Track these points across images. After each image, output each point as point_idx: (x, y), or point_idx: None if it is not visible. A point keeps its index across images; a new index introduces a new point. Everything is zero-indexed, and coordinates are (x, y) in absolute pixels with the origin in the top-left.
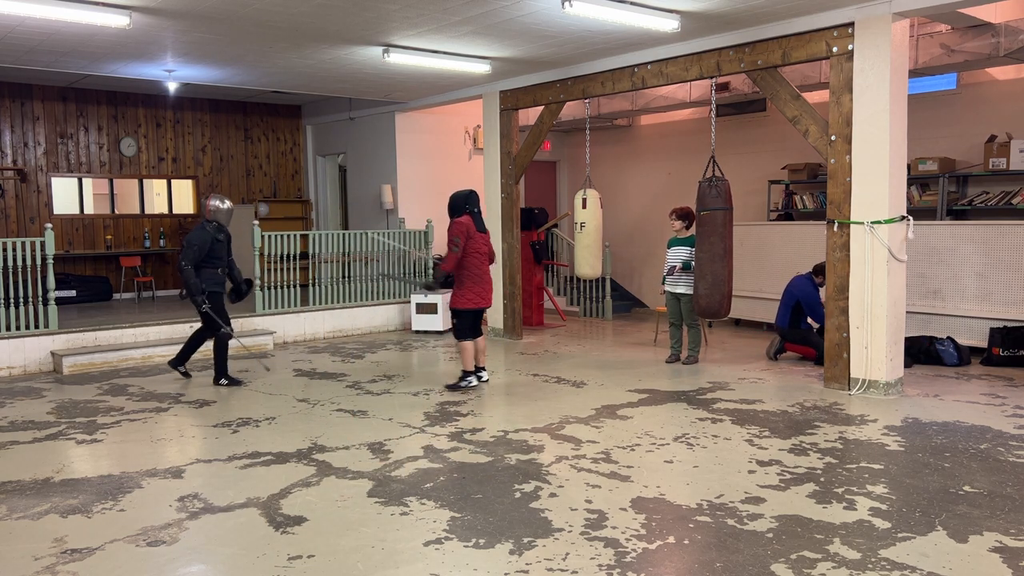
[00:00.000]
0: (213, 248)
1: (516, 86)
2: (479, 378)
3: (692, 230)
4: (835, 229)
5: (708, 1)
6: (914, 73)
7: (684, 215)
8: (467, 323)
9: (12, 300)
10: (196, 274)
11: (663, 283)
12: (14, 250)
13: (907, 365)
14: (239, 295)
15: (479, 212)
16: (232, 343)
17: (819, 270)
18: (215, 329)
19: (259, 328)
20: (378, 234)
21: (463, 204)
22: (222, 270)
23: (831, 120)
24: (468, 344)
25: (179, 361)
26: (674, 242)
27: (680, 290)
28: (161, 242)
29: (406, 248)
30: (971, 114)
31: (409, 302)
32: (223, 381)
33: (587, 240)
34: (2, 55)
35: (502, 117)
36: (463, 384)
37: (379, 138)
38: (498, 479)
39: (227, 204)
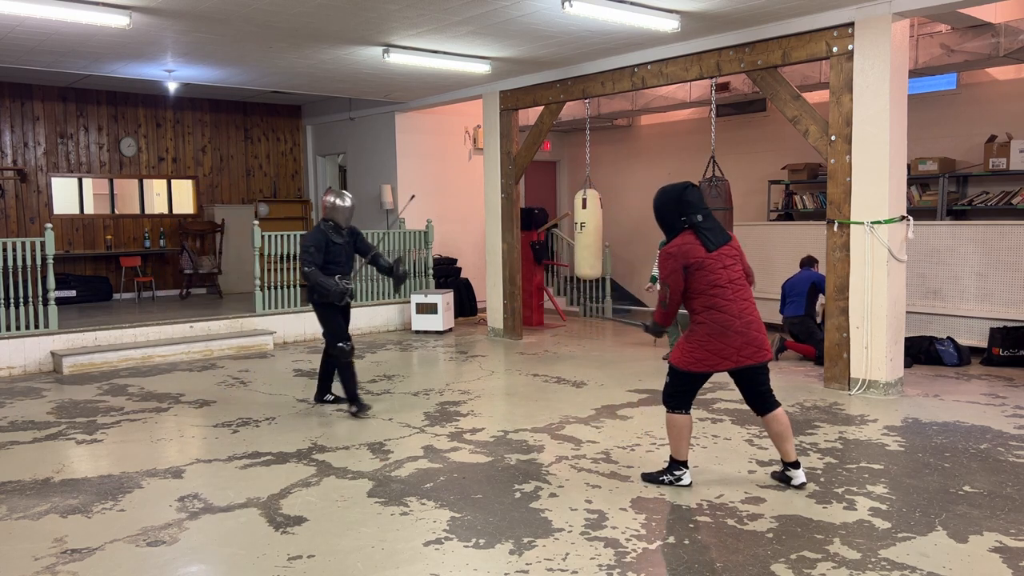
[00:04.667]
0: (330, 251)
1: (516, 86)
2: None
3: None
4: (835, 229)
5: (708, 1)
6: (914, 73)
7: None
8: (683, 386)
9: (12, 300)
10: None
11: (653, 281)
12: (14, 250)
13: (907, 365)
14: (399, 279)
15: (704, 219)
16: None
17: (806, 262)
18: (330, 345)
19: (259, 328)
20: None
21: (676, 214)
22: (341, 277)
23: (831, 120)
24: (682, 419)
25: (321, 394)
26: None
27: None
28: (161, 242)
29: None
30: (971, 114)
31: (409, 302)
32: (352, 408)
33: (587, 240)
34: (2, 55)
35: (502, 117)
36: (667, 479)
37: (379, 138)
38: (498, 479)
39: (347, 201)
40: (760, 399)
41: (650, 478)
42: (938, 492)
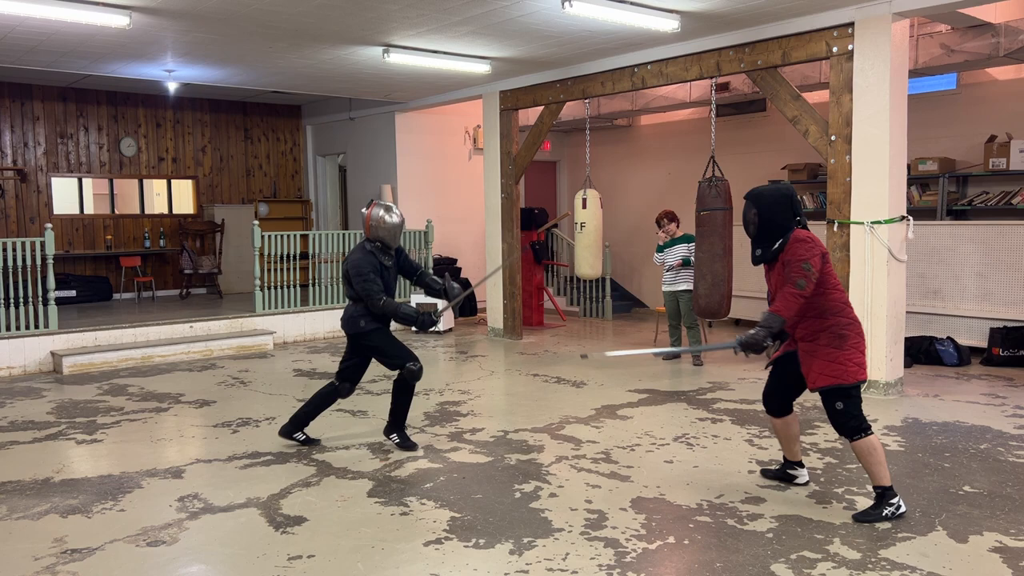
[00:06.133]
0: (381, 277)
1: (516, 86)
2: (793, 473)
3: (681, 228)
4: (835, 229)
5: (708, 1)
6: (914, 73)
7: (674, 216)
8: (859, 400)
9: (12, 300)
10: (360, 303)
11: (659, 251)
12: (14, 250)
13: (907, 365)
14: (454, 299)
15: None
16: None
17: None
18: (397, 365)
19: (259, 328)
20: None
21: (791, 213)
22: (385, 303)
23: (831, 120)
24: (876, 439)
25: (394, 427)
26: (667, 244)
27: (680, 287)
28: (161, 242)
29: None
30: (971, 114)
31: (408, 302)
32: (393, 437)
33: (587, 240)
34: (2, 55)
35: (502, 117)
36: (888, 512)
37: (379, 138)
38: (498, 479)
39: (395, 217)
40: (790, 401)
41: (867, 517)
42: (938, 492)
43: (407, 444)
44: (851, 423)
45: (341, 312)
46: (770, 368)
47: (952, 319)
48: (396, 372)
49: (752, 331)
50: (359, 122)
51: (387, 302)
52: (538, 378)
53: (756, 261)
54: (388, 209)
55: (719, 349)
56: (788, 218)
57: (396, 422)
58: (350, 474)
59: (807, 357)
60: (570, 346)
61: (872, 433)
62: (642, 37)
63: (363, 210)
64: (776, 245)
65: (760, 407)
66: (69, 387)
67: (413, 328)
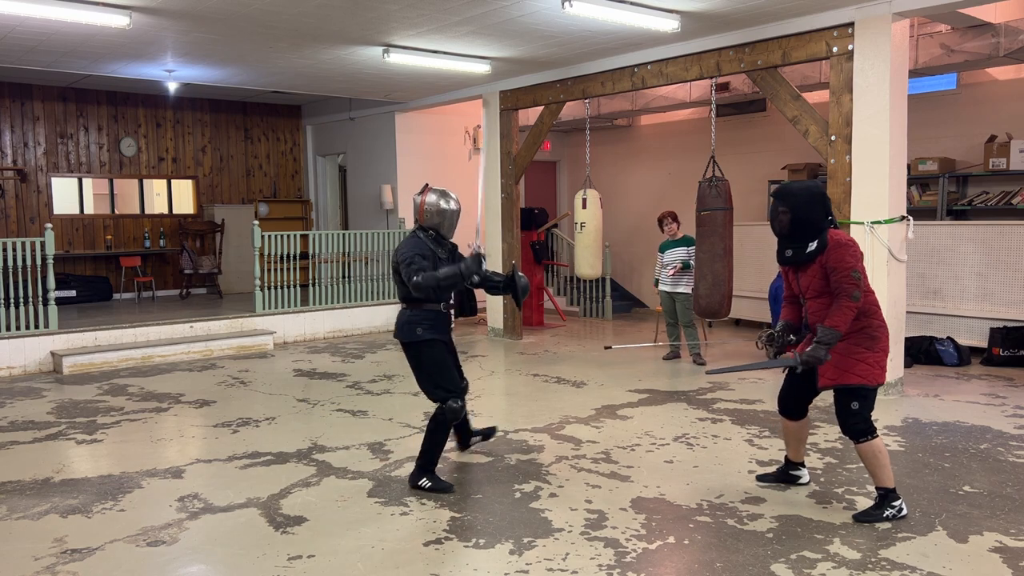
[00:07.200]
0: (436, 267)
1: (516, 86)
2: (796, 474)
3: (682, 229)
4: (835, 229)
5: (708, 1)
6: (914, 73)
7: (676, 217)
8: (873, 403)
9: (12, 300)
10: (414, 307)
11: (656, 285)
12: (14, 250)
13: (907, 365)
14: (524, 290)
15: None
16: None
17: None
18: (439, 398)
19: (259, 328)
20: None
21: (824, 212)
22: (446, 305)
23: (831, 120)
24: (882, 445)
25: (425, 469)
26: (668, 244)
27: (679, 289)
28: (161, 242)
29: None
30: (971, 114)
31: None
32: (423, 482)
33: (587, 240)
34: (2, 55)
35: (502, 117)
36: (889, 513)
37: (379, 138)
38: (498, 479)
39: (452, 203)
40: (806, 404)
41: (867, 517)
42: (938, 492)
43: (441, 485)
44: (860, 425)
45: (341, 312)
46: (787, 371)
47: (952, 319)
48: (435, 405)
49: (810, 349)
50: (359, 122)
51: (426, 275)
52: (538, 378)
53: (786, 261)
54: (444, 195)
55: (778, 367)
56: (821, 218)
57: (424, 465)
58: (350, 474)
59: (833, 355)
60: (570, 346)
61: (877, 436)
62: (642, 37)
63: (416, 196)
64: (812, 247)
65: (760, 407)
66: (69, 387)
67: (467, 283)
